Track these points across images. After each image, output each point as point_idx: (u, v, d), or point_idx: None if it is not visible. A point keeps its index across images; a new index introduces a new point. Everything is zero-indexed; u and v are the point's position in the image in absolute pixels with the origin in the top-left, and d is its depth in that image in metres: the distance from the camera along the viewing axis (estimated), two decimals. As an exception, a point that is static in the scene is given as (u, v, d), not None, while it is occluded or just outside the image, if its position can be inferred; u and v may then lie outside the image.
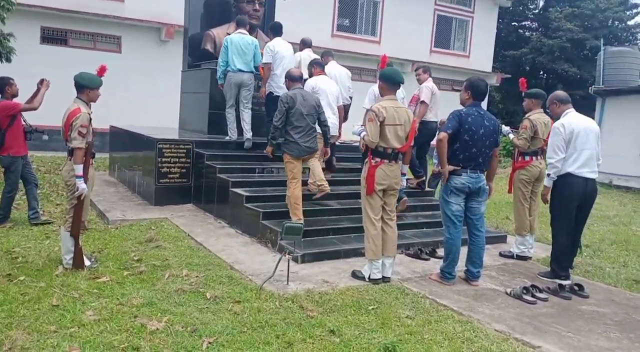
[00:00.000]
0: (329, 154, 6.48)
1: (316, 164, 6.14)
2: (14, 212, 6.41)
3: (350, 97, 7.35)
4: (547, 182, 5.01)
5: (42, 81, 5.98)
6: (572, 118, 4.95)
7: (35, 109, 5.94)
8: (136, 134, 8.11)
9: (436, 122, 7.35)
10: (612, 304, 4.62)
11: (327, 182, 6.14)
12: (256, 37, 8.26)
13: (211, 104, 8.11)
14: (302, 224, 4.54)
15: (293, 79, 5.86)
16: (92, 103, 4.66)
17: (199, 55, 8.98)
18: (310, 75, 6.55)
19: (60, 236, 4.81)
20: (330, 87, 6.48)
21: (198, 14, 9.11)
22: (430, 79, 7.26)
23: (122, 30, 13.88)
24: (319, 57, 7.19)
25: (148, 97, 13.71)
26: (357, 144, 5.68)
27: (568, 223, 4.97)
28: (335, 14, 17.42)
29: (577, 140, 4.82)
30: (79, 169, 4.41)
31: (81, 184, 4.42)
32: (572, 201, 4.88)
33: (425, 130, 7.10)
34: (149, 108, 13.35)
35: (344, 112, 6.99)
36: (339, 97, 6.67)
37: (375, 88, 6.54)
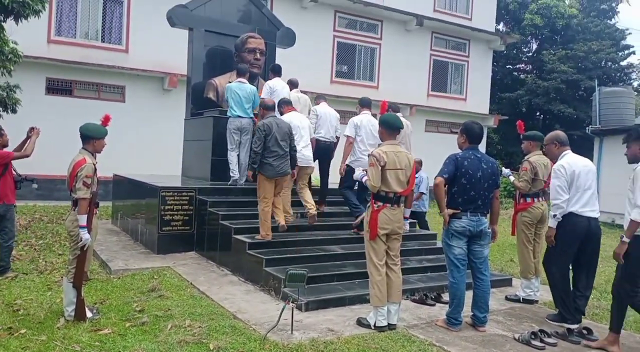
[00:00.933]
0: (295, 177, 6.85)
1: (305, 191, 6.90)
2: (16, 263, 6.39)
3: (338, 137, 7.68)
4: (552, 223, 4.95)
5: (32, 129, 6.10)
6: (570, 159, 5.03)
7: (27, 156, 6.02)
8: (139, 182, 8.17)
9: None
10: (622, 347, 4.53)
11: (314, 204, 6.87)
12: (257, 85, 8.49)
13: (214, 151, 8.22)
14: (305, 271, 4.51)
15: (267, 108, 6.47)
16: (97, 153, 4.74)
17: (201, 103, 9.15)
18: (282, 114, 6.93)
19: (62, 287, 4.77)
20: (303, 121, 6.93)
21: (200, 63, 9.34)
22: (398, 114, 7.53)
23: (126, 80, 14.18)
24: (306, 96, 8.02)
25: (151, 145, 13.88)
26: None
27: (565, 263, 4.97)
28: (334, 60, 17.85)
29: (578, 181, 4.89)
30: (83, 220, 4.42)
31: (85, 235, 4.43)
32: (574, 241, 4.90)
33: None
34: (152, 156, 13.49)
35: (330, 150, 7.54)
36: (311, 131, 7.12)
37: (355, 119, 6.96)
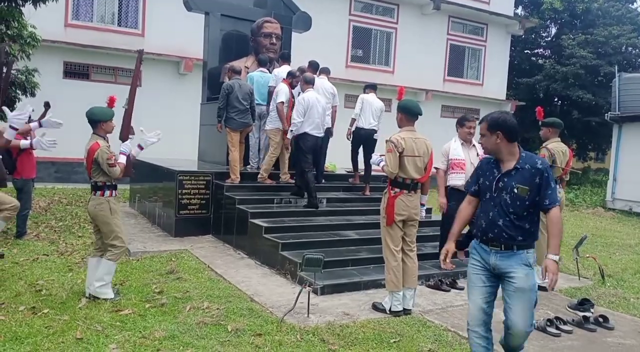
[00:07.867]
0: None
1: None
2: (37, 244, 6.53)
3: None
4: (289, 135, 6.93)
5: (47, 104, 7.34)
6: (308, 94, 6.89)
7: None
8: (156, 166, 8.25)
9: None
10: (639, 336, 4.53)
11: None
12: (272, 70, 8.50)
13: (230, 135, 8.23)
14: (322, 255, 4.55)
15: (234, 71, 7.60)
16: (109, 135, 4.77)
17: (217, 88, 9.12)
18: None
19: (88, 265, 4.86)
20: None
21: (216, 48, 9.32)
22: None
23: (143, 64, 14.16)
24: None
25: (168, 129, 13.85)
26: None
27: (307, 163, 6.88)
28: (349, 45, 17.71)
29: (310, 111, 6.81)
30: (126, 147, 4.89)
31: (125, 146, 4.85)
32: (309, 151, 6.92)
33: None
34: (168, 140, 13.45)
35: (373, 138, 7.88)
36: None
37: (283, 87, 7.39)
